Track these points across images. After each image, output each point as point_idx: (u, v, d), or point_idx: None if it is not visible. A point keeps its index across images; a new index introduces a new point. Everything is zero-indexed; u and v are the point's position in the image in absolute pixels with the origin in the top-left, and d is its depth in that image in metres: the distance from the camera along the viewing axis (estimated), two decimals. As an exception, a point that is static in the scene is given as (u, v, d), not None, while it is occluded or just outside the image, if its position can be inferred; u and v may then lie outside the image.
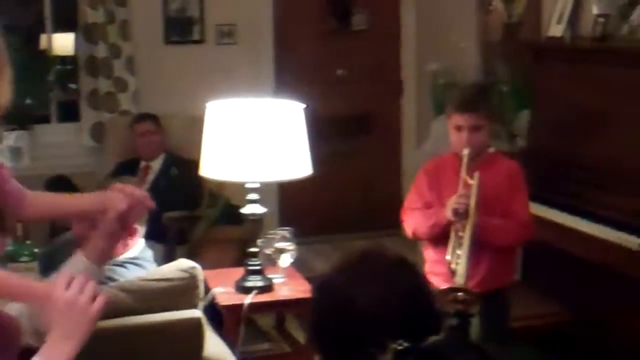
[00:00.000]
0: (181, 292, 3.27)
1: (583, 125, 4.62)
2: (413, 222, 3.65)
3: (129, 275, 3.30)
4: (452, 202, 3.45)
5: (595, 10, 4.77)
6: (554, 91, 4.91)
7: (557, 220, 4.29)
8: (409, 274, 1.81)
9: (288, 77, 6.52)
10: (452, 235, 3.48)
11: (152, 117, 5.78)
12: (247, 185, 3.80)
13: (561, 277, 4.78)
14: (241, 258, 4.03)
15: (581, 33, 5.02)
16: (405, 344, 1.26)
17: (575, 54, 4.97)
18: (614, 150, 4.36)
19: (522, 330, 4.22)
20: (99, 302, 2.02)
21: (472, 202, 3.44)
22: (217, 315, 3.84)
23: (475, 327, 3.61)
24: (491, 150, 3.72)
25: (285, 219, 6.03)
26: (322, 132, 6.58)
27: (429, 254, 3.68)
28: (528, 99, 5.22)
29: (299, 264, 4.06)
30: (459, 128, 3.56)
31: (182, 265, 3.33)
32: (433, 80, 6.04)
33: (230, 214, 5.13)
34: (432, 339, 1.29)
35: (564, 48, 5.09)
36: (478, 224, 3.43)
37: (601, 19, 4.71)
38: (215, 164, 3.77)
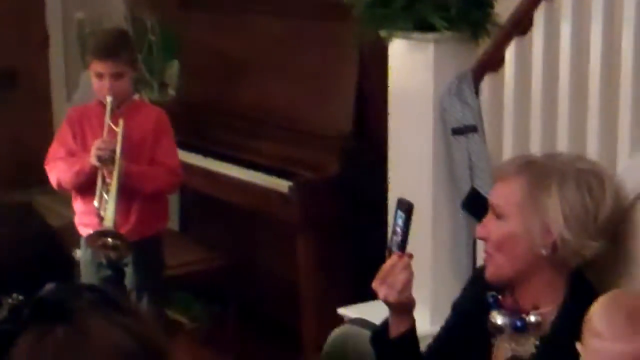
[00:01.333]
0: None
1: (232, 74, 4.69)
2: (57, 171, 3.53)
3: None
4: (96, 147, 3.37)
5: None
6: (200, 40, 4.94)
7: (211, 168, 4.34)
8: (32, 216, 1.74)
9: None
10: (99, 182, 3.41)
11: None
12: None
13: (218, 225, 4.86)
14: None
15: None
16: (20, 297, 1.18)
17: (220, 4, 5.02)
18: (262, 97, 4.47)
19: (179, 278, 4.24)
20: None
21: (118, 148, 3.38)
22: None
23: (129, 276, 3.58)
24: (136, 97, 3.67)
25: None
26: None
27: (78, 206, 3.59)
28: (177, 48, 5.22)
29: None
30: (99, 75, 3.47)
31: None
32: (80, 30, 5.87)
33: None
34: (49, 286, 1.20)
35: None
36: (124, 171, 3.39)
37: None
38: None
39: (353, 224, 4.03)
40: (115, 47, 3.51)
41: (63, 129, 3.63)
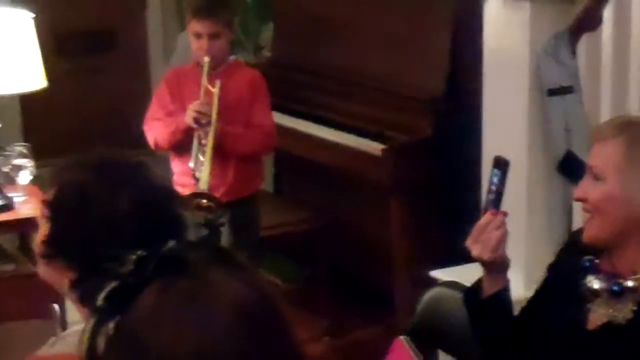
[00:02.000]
0: None
1: (323, 36, 4.69)
2: (154, 131, 3.59)
3: None
4: (193, 109, 3.41)
5: None
6: (294, 2, 4.94)
7: (305, 130, 4.37)
8: (145, 170, 1.77)
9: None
10: (195, 143, 3.45)
11: None
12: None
13: (311, 187, 4.89)
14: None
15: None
16: (144, 253, 1.22)
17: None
18: (355, 59, 4.46)
19: (272, 239, 4.27)
20: None
21: (214, 109, 3.42)
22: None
23: (225, 236, 3.63)
24: (232, 59, 3.69)
25: (29, 138, 5.78)
26: (63, 47, 6.34)
27: (175, 166, 3.65)
28: (271, 11, 5.23)
29: (43, 184, 3.89)
30: (198, 35, 3.50)
31: None
32: (176, -7, 5.92)
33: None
34: (172, 243, 1.25)
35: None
36: (220, 132, 3.42)
37: None
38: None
39: (446, 187, 4.01)
40: (213, 7, 3.54)
41: (161, 89, 3.67)
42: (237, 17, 5.07)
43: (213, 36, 3.49)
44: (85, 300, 1.73)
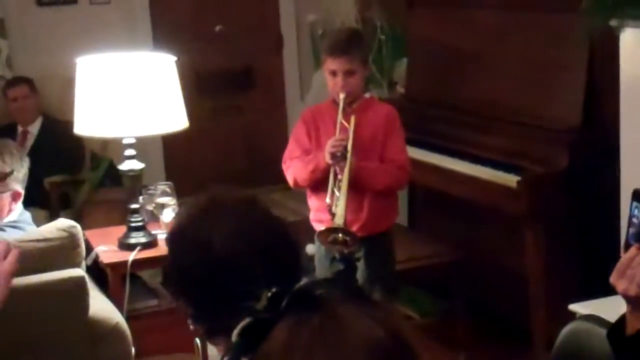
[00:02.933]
0: (61, 251, 3.22)
1: (457, 69, 4.70)
2: (293, 170, 3.64)
3: (8, 238, 3.23)
4: (330, 145, 3.47)
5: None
6: (428, 36, 4.98)
7: (439, 164, 4.37)
8: (258, 208, 1.81)
9: (166, 35, 6.43)
10: (331, 178, 3.49)
11: (25, 81, 5.65)
12: (123, 142, 3.76)
13: (445, 219, 4.88)
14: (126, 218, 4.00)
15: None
16: (278, 289, 1.26)
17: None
18: (489, 91, 4.46)
19: (408, 273, 4.29)
20: (12, 256, 1.96)
21: (349, 144, 3.46)
22: (102, 274, 3.80)
23: (361, 271, 3.66)
24: (367, 95, 3.74)
25: (171, 176, 5.99)
26: (204, 87, 6.57)
27: (312, 202, 3.70)
28: (405, 47, 5.28)
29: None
30: (333, 73, 3.56)
31: (60, 224, 3.28)
32: (312, 31, 6.04)
33: (114, 176, 5.07)
34: (305, 280, 1.28)
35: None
36: (355, 167, 3.46)
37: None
38: (89, 120, 3.72)
39: (582, 218, 3.95)
40: (348, 44, 3.59)
41: (298, 128, 3.74)
42: (371, 53, 5.16)
43: (348, 73, 3.54)
44: (211, 335, 1.79)
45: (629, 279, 2.02)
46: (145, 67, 3.71)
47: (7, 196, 3.41)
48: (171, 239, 1.83)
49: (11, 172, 3.39)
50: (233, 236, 1.73)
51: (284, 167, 3.71)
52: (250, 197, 1.84)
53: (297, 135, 3.73)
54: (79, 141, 5.08)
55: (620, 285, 2.04)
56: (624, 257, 2.04)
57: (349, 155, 3.44)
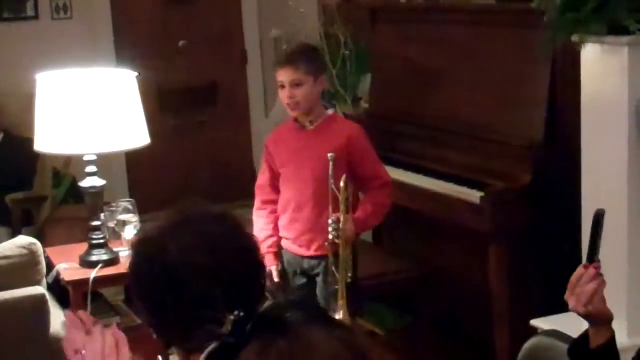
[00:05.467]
0: (22, 269, 3.19)
1: (421, 85, 4.71)
2: (255, 225, 3.71)
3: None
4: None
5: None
6: (392, 52, 4.99)
7: (403, 180, 4.36)
8: (226, 224, 1.80)
9: (129, 51, 6.40)
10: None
11: None
12: (84, 158, 3.73)
13: (409, 236, 4.88)
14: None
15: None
16: (242, 313, 1.24)
17: (409, 15, 5.07)
18: (452, 107, 4.47)
19: (374, 288, 4.29)
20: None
21: (341, 252, 3.48)
22: (64, 292, 3.76)
23: (320, 286, 3.66)
24: (330, 112, 3.73)
25: (135, 193, 5.95)
26: (167, 104, 6.54)
27: (280, 221, 3.74)
28: (369, 62, 5.29)
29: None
30: (282, 85, 3.59)
31: (20, 241, 3.25)
32: (276, 47, 6.04)
33: (77, 193, 5.05)
34: (269, 303, 1.27)
35: (397, 9, 5.18)
36: (355, 234, 3.56)
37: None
38: (50, 137, 3.68)
39: (545, 234, 3.96)
40: (293, 55, 3.62)
41: (264, 155, 3.77)
42: (335, 69, 5.16)
43: (295, 84, 3.55)
44: (169, 346, 1.76)
45: (577, 297, 2.04)
46: (106, 83, 3.69)
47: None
48: (134, 246, 1.83)
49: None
50: (191, 248, 1.72)
51: (256, 192, 3.72)
52: (220, 213, 1.83)
53: (263, 165, 3.78)
54: (34, 157, 5.03)
55: (571, 303, 2.06)
56: (573, 275, 2.06)
57: (341, 242, 3.47)
